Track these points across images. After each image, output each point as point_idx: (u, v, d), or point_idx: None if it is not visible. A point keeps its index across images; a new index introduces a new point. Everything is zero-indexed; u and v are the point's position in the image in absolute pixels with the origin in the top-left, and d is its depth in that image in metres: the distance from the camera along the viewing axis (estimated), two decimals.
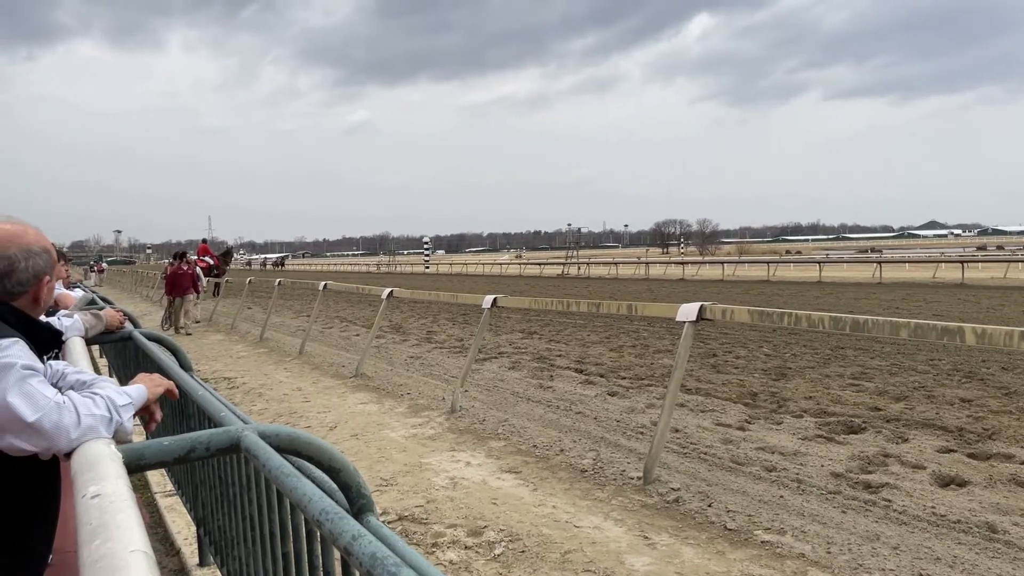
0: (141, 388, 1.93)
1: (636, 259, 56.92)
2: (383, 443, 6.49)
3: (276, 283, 16.19)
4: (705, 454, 5.82)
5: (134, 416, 1.80)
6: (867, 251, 79.16)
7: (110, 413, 1.68)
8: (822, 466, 5.46)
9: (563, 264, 55.67)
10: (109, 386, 1.85)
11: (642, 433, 6.53)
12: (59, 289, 4.85)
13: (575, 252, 67.40)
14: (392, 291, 10.19)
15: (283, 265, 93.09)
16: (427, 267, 72.31)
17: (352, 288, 13.50)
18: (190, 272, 17.34)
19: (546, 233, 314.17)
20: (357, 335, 14.77)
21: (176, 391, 2.14)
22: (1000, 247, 65.14)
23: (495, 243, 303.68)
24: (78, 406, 1.62)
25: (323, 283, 13.08)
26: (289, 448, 1.55)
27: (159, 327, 16.69)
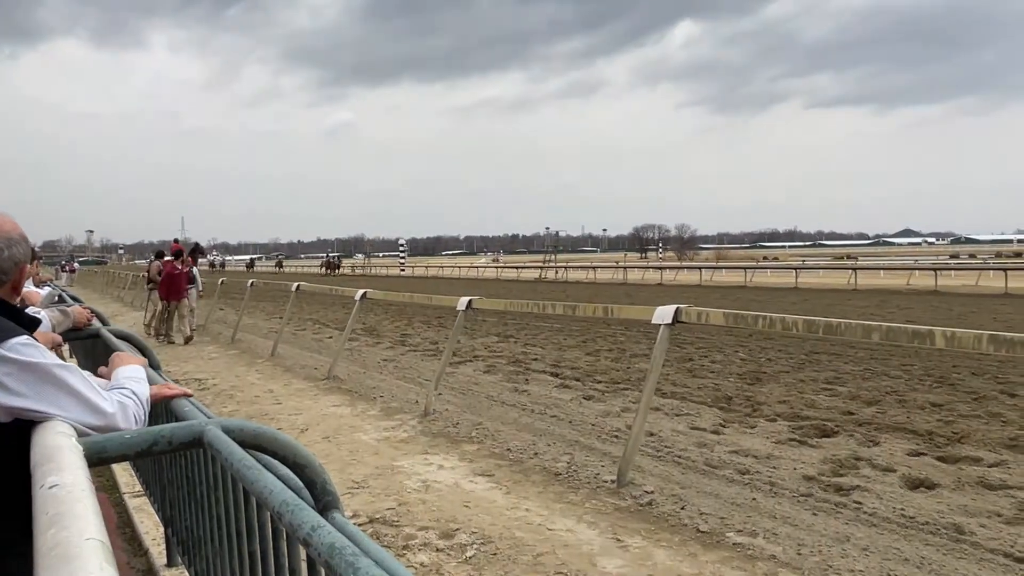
0: (142, 369, 2.05)
1: (614, 264, 57.16)
2: (355, 446, 6.47)
3: (248, 284, 16.06)
4: (679, 457, 5.86)
5: None
6: (843, 258, 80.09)
7: (143, 407, 1.81)
8: (795, 469, 5.52)
9: (541, 268, 55.75)
10: (132, 383, 1.92)
11: (617, 437, 6.56)
12: (27, 287, 4.79)
13: (553, 256, 67.51)
14: (366, 293, 10.15)
15: (253, 266, 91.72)
16: (403, 269, 72.03)
17: (325, 289, 13.43)
18: (186, 272, 15.37)
19: (524, 237, 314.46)
20: (330, 337, 14.69)
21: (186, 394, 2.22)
22: (972, 255, 66.24)
23: (472, 246, 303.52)
24: (127, 405, 1.73)
25: (296, 284, 13.00)
26: (253, 443, 1.55)
27: (143, 332, 15.70)
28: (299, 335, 15.41)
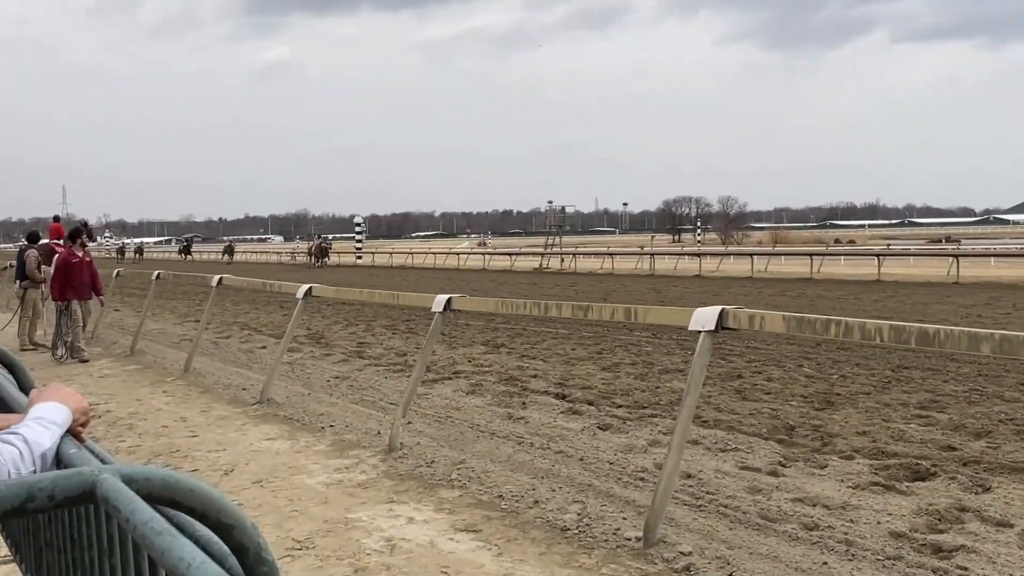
0: (64, 411, 2.01)
1: (638, 249, 57.25)
2: (297, 492, 6.45)
3: (154, 276, 16.02)
4: (725, 507, 5.87)
5: None
6: (940, 241, 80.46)
7: (34, 465, 1.79)
8: (879, 523, 5.54)
9: (541, 255, 55.80)
10: (31, 424, 1.91)
11: (643, 479, 6.56)
12: None
13: (557, 239, 67.56)
14: (311, 288, 10.13)
15: (142, 253, 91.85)
16: (359, 257, 71.97)
17: (257, 284, 13.41)
18: (88, 261, 14.29)
19: (520, 214, 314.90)
20: (263, 347, 14.66)
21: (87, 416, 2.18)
22: None
23: (451, 226, 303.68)
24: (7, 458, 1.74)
25: (217, 277, 12.97)
26: (163, 497, 1.52)
27: (25, 346, 15.03)
28: (222, 344, 15.37)
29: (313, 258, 63.39)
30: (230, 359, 13.60)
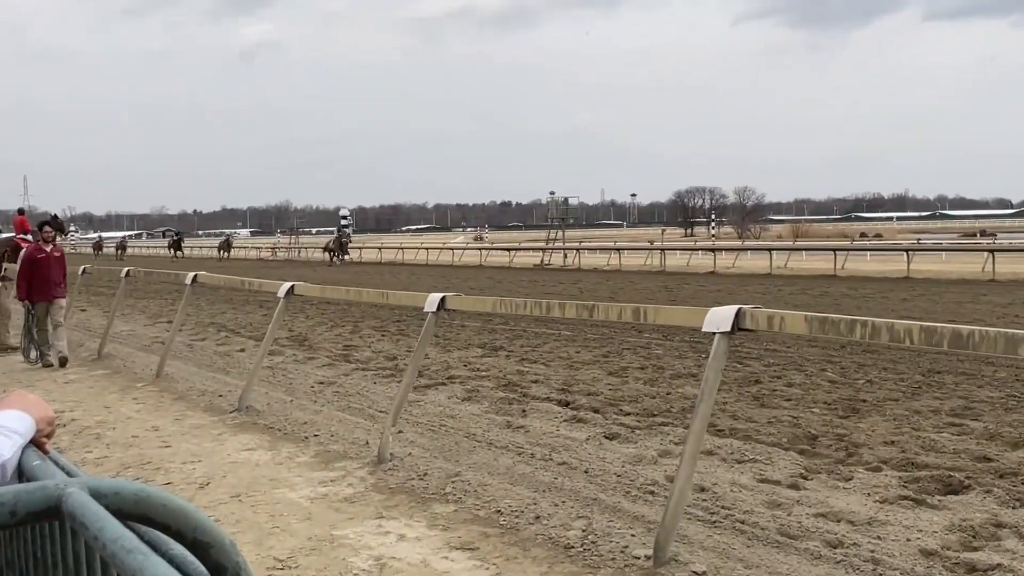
0: (26, 420, 1.98)
1: (648, 244, 57.21)
2: (278, 508, 6.46)
3: (123, 273, 16.02)
4: (742, 523, 5.87)
5: None
6: (975, 235, 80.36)
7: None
8: (908, 540, 5.54)
9: (542, 250, 55.80)
10: None
11: (653, 493, 6.57)
12: None
13: (560, 233, 67.58)
14: (293, 287, 10.13)
15: (125, 250, 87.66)
16: (347, 252, 71.93)
17: (235, 281, 13.41)
18: (58, 256, 13.99)
19: (519, 206, 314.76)
20: (242, 350, 14.67)
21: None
22: None
23: (445, 219, 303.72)
24: None
25: (191, 274, 12.97)
26: (135, 513, 1.52)
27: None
28: (197, 347, 15.38)
29: (331, 255, 58.05)
30: (206, 363, 13.61)
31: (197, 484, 7.13)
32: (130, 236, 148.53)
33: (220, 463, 7.75)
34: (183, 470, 7.55)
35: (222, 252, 74.58)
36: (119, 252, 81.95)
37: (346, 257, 59.01)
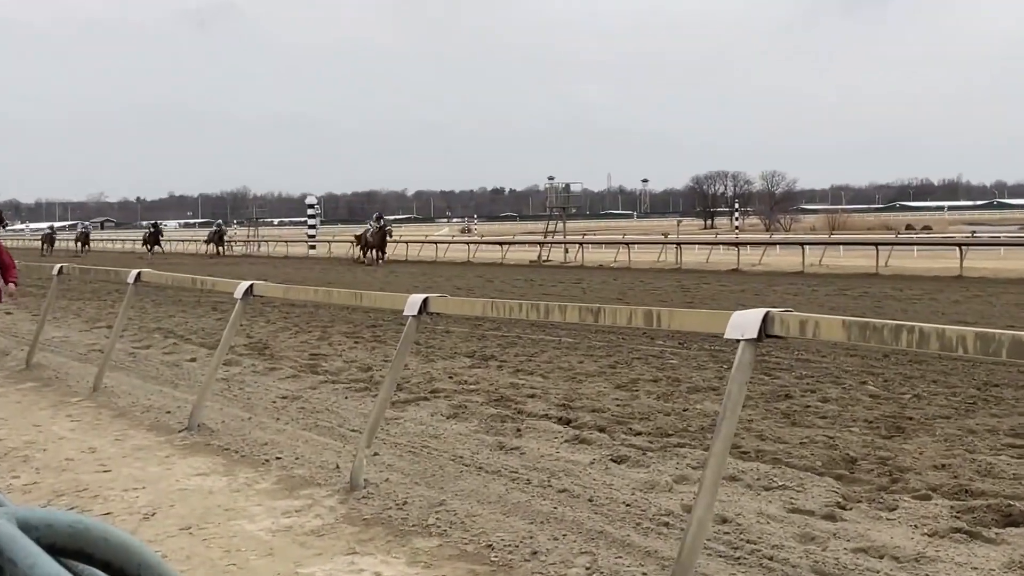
0: None
1: (661, 237, 57.24)
2: (234, 542, 6.44)
3: (55, 271, 15.98)
4: (771, 559, 5.88)
5: None
6: None
7: None
8: None
9: (540, 244, 55.81)
10: None
11: (667, 525, 6.57)
12: None
13: (560, 225, 67.57)
14: (252, 286, 10.11)
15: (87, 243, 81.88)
16: (313, 247, 71.92)
17: (185, 280, 13.37)
18: None
19: (513, 193, 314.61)
20: (192, 360, 14.65)
21: None
22: None
23: (428, 208, 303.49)
24: None
25: (135, 272, 12.93)
26: (71, 547, 1.52)
27: None
28: (141, 356, 15.35)
29: (367, 252, 52.37)
30: (151, 375, 13.57)
31: (141, 514, 7.11)
32: (93, 224, 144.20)
33: (167, 490, 7.73)
34: (125, 498, 7.53)
35: (211, 246, 71.47)
36: (81, 246, 77.76)
37: (383, 255, 51.67)
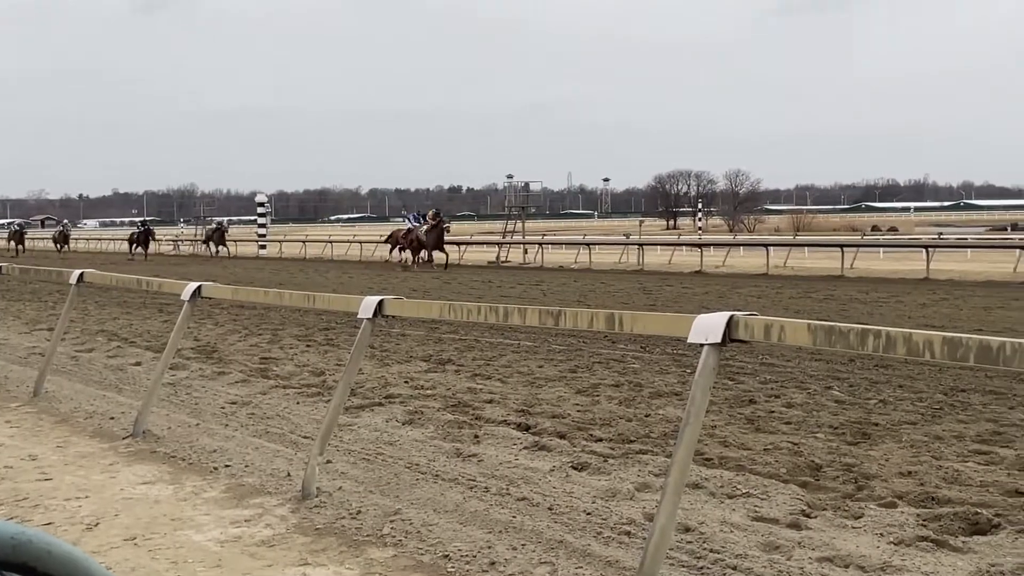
0: None
1: (623, 238, 57.42)
2: (181, 553, 6.40)
3: None
4: (734, 569, 5.91)
5: None
6: (1006, 229, 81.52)
7: None
8: None
9: (498, 244, 55.81)
10: None
11: (629, 534, 6.58)
12: None
13: (519, 225, 67.64)
14: (200, 288, 10.06)
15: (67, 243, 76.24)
16: (263, 247, 71.57)
17: (130, 281, 13.27)
18: None
19: (471, 191, 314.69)
20: (138, 364, 14.54)
21: None
22: None
23: (383, 207, 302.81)
24: None
25: (77, 272, 12.82)
26: (12, 560, 1.51)
27: None
28: (84, 360, 15.21)
29: (417, 254, 46.38)
30: (94, 379, 13.46)
31: (84, 525, 7.05)
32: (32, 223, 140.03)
33: (111, 499, 7.66)
34: (67, 508, 7.45)
35: (209, 245, 66.73)
36: (60, 246, 73.70)
37: (445, 257, 46.38)
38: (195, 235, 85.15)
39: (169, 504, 7.53)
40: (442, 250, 45.49)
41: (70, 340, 16.58)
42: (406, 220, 48.85)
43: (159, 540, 6.67)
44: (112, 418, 10.65)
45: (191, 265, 51.77)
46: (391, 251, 48.96)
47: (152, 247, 67.47)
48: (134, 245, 66.83)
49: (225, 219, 74.61)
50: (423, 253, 45.66)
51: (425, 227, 45.61)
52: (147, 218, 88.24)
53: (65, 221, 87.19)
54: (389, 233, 51.45)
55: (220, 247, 66.37)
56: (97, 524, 7.04)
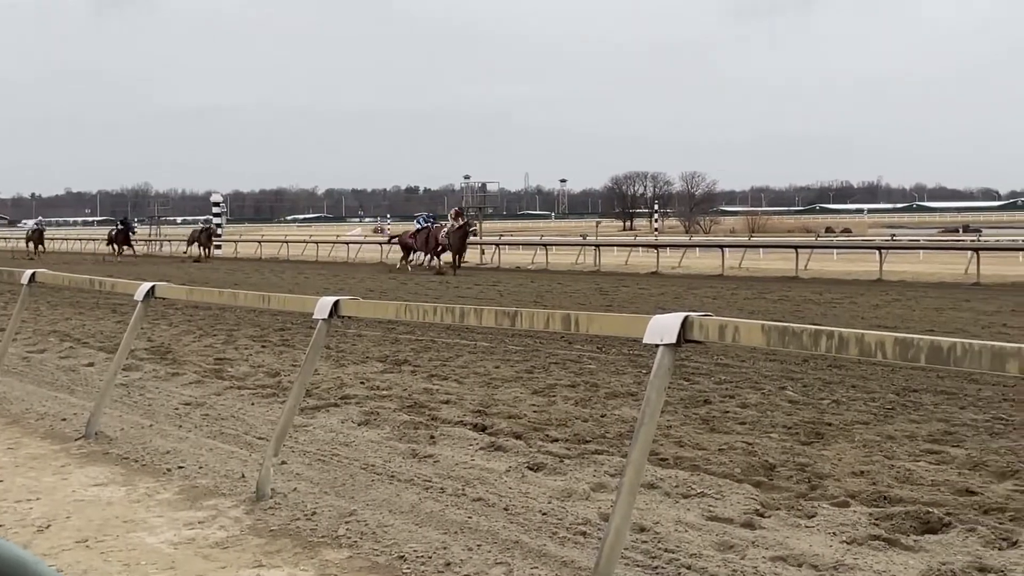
0: None
1: (579, 239, 57.53)
2: (134, 555, 6.35)
3: None
4: (689, 568, 5.93)
5: None
6: (957, 231, 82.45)
7: None
8: None
9: None
10: None
11: (584, 535, 6.59)
12: None
13: (476, 225, 67.64)
14: (154, 287, 9.99)
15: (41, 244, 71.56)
16: (218, 246, 71.08)
17: (82, 281, 13.14)
18: None
19: (428, 192, 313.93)
20: (90, 365, 14.42)
21: None
22: None
23: (339, 207, 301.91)
24: None
25: (29, 272, 12.70)
26: None
27: None
28: (36, 360, 15.07)
29: (437, 256, 42.70)
30: (46, 380, 13.33)
31: (35, 527, 6.97)
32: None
33: (63, 501, 7.59)
34: (17, 510, 7.37)
35: (193, 247, 61.33)
36: (35, 246, 67.85)
37: (462, 259, 42.92)
38: (148, 235, 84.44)
39: (122, 506, 7.47)
40: (461, 252, 41.70)
41: (21, 341, 16.42)
42: (417, 221, 45.74)
43: (111, 542, 6.61)
44: (64, 419, 10.56)
45: (163, 266, 51.27)
46: (403, 258, 44.77)
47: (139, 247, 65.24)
48: (113, 244, 64.40)
49: (213, 219, 70.14)
50: (446, 255, 41.70)
51: (447, 227, 41.62)
52: (127, 216, 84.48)
53: (40, 218, 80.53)
54: (393, 236, 50.01)
55: (204, 249, 61.39)
56: (48, 526, 6.98)
